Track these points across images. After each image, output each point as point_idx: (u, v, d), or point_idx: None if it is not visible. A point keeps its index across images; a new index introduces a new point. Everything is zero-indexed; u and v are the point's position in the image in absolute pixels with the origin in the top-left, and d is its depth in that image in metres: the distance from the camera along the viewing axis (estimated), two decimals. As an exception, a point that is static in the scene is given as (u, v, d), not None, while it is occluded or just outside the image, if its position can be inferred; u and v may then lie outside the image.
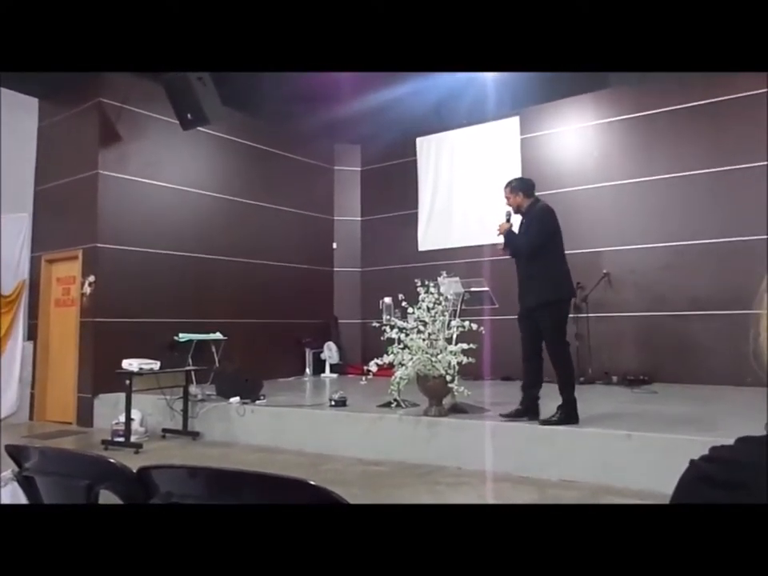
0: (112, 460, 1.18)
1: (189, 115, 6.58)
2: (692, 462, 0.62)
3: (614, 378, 7.18)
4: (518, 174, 8.43)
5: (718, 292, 6.91)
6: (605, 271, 7.56)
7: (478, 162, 8.89)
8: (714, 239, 7.08)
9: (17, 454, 1.31)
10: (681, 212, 7.33)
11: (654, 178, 7.55)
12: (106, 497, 1.19)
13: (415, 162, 9.52)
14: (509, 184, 4.65)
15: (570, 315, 7.39)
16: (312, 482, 0.93)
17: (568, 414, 4.31)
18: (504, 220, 4.59)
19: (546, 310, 4.36)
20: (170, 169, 7.71)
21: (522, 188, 4.60)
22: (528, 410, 4.49)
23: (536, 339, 4.46)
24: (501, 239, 4.59)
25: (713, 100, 7.18)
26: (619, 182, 7.78)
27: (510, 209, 4.63)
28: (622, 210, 7.72)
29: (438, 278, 5.13)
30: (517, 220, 4.65)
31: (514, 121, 8.60)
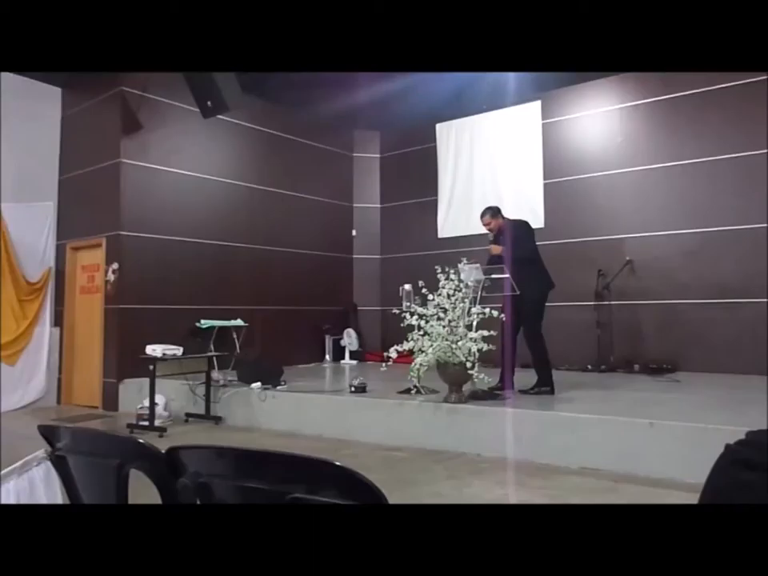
0: (141, 440, 1.21)
1: (209, 103, 6.60)
2: (728, 446, 0.62)
3: (636, 367, 7.12)
4: (539, 160, 8.39)
5: (743, 279, 6.79)
6: (628, 258, 7.47)
7: (499, 148, 8.81)
8: (740, 225, 6.94)
9: (49, 434, 1.35)
10: (706, 198, 7.20)
11: (679, 162, 7.41)
12: (136, 476, 1.22)
13: (435, 148, 9.46)
14: (489, 211, 5.50)
15: (592, 303, 7.41)
16: (337, 463, 0.94)
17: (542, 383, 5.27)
18: (491, 243, 5.42)
19: (534, 303, 5.29)
20: (191, 157, 7.76)
21: (498, 212, 5.52)
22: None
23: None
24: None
25: (740, 82, 7.01)
26: (643, 168, 7.66)
27: (491, 232, 5.47)
28: (646, 195, 7.61)
29: (459, 265, 5.11)
30: None
31: (536, 105, 8.49)
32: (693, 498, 0.77)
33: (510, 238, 5.28)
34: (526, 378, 5.42)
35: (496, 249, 5.32)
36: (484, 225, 5.51)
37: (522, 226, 5.45)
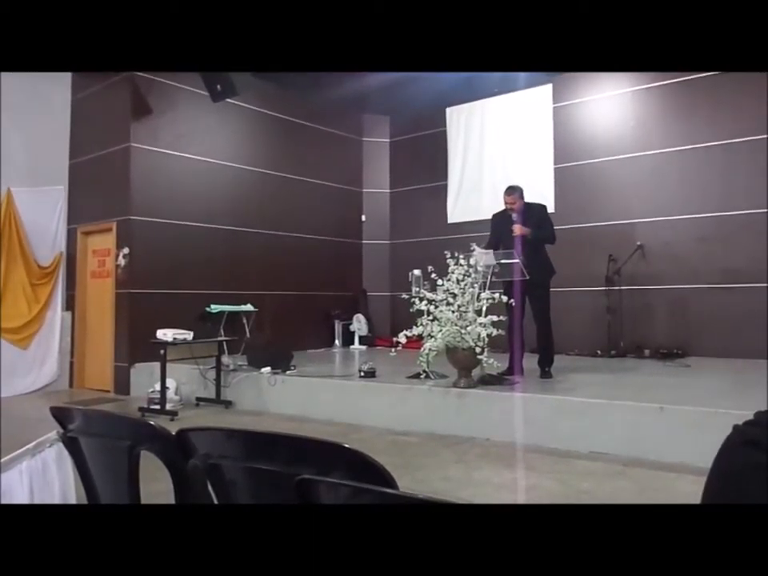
0: (152, 422, 1.22)
1: (218, 87, 6.58)
2: (736, 426, 0.61)
3: (647, 352, 7.09)
4: (550, 144, 8.31)
5: (754, 264, 6.72)
6: (639, 243, 7.41)
7: (509, 132, 8.72)
8: (753, 210, 6.85)
9: (61, 415, 1.36)
10: (718, 182, 7.11)
11: (691, 146, 7.32)
12: (147, 457, 1.23)
13: (445, 132, 9.38)
14: (517, 191, 5.41)
15: (603, 288, 7.38)
16: (347, 445, 0.95)
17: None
18: (513, 223, 5.28)
19: (547, 286, 5.39)
20: (200, 141, 7.75)
21: (522, 193, 5.44)
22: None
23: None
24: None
25: (756, 64, 6.87)
26: (655, 152, 7.56)
27: (512, 212, 5.35)
28: (657, 180, 7.52)
29: (472, 250, 5.09)
30: None
31: (547, 89, 8.39)
32: (702, 482, 0.76)
33: (535, 220, 5.27)
34: (533, 362, 5.42)
35: (521, 229, 5.20)
36: (508, 203, 5.35)
37: (545, 210, 5.49)
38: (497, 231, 5.46)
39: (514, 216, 5.30)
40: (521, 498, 3.22)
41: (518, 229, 5.20)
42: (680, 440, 3.74)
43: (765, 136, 6.82)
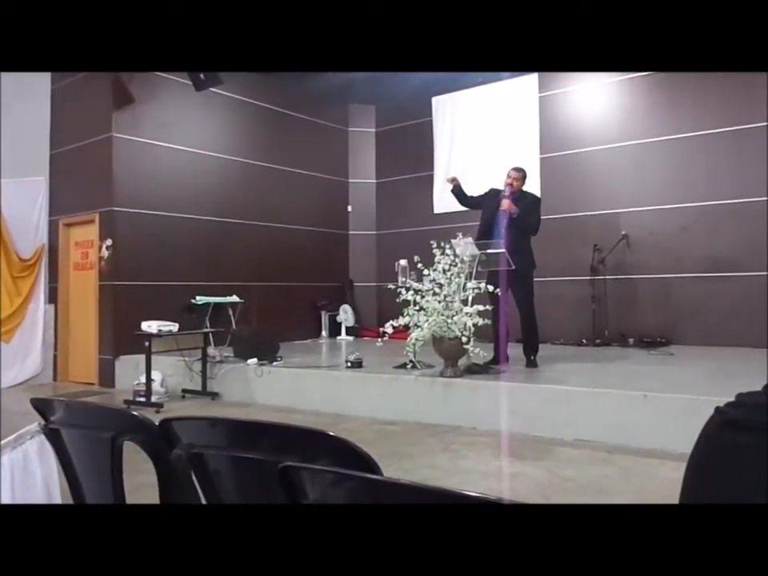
0: (135, 413, 1.21)
1: (202, 76, 6.51)
2: (717, 408, 0.62)
3: (631, 340, 7.15)
4: (536, 134, 8.32)
5: (738, 253, 6.80)
6: (623, 233, 7.45)
7: (495, 122, 8.72)
8: (737, 199, 6.92)
9: (43, 407, 1.34)
10: (703, 172, 7.17)
11: (677, 136, 7.36)
12: (130, 448, 1.22)
13: (431, 122, 9.35)
14: (522, 172, 5.43)
15: (588, 277, 7.42)
16: (331, 433, 0.94)
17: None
18: (505, 198, 5.25)
19: (531, 275, 5.39)
20: (183, 131, 7.66)
21: (525, 176, 5.46)
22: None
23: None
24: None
25: (739, 54, 6.91)
26: (641, 141, 7.59)
27: (510, 188, 5.33)
28: (642, 170, 7.56)
29: (454, 240, 5.10)
30: None
31: (533, 78, 8.39)
32: (684, 468, 0.77)
33: (526, 207, 5.29)
34: (519, 351, 5.45)
35: (509, 204, 5.21)
36: (510, 179, 5.36)
37: (538, 202, 5.52)
38: (486, 204, 5.45)
39: (505, 192, 5.31)
40: (506, 486, 3.25)
41: (505, 203, 5.22)
42: (663, 427, 3.79)
43: (749, 126, 6.88)
